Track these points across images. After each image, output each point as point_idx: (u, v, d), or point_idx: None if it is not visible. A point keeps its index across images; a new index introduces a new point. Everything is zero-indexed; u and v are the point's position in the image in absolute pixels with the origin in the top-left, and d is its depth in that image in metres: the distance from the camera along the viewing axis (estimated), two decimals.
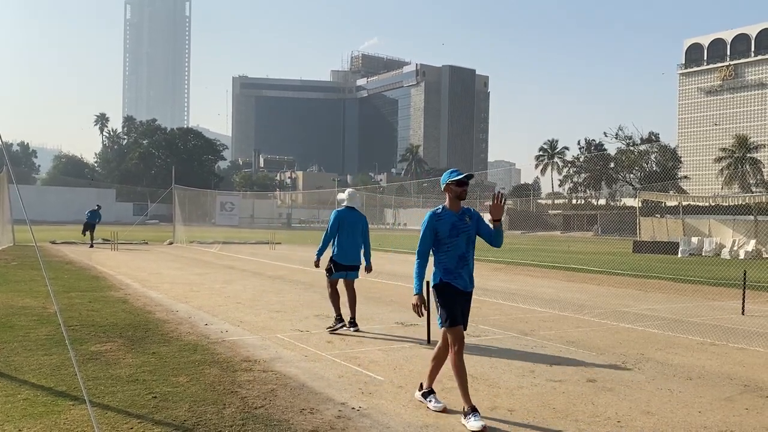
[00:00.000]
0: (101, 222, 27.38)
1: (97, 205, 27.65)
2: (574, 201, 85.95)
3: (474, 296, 12.59)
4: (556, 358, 6.73)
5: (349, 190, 8.54)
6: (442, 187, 4.95)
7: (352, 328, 7.99)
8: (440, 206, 4.96)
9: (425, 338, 7.50)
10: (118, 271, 15.93)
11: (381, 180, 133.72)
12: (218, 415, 4.57)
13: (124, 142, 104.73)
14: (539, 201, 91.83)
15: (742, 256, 26.84)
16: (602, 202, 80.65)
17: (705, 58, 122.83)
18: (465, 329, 4.89)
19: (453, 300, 4.80)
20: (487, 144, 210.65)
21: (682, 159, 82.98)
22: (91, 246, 25.88)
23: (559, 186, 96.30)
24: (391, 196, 74.75)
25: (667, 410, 4.97)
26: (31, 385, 5.22)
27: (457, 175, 4.88)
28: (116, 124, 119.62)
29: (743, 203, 31.98)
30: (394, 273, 16.78)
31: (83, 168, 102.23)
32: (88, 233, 26.46)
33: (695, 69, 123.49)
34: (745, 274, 10.78)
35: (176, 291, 12.08)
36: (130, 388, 5.19)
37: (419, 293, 4.85)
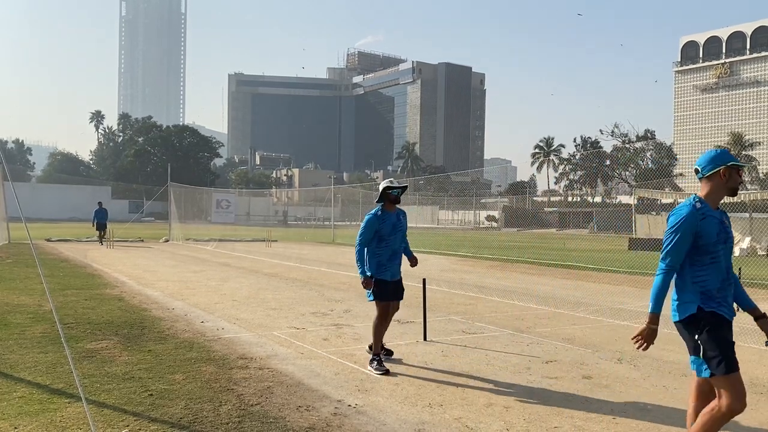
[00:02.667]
0: (103, 219, 26.81)
1: (99, 203, 27.41)
2: (570, 198, 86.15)
3: (469, 293, 12.44)
4: (552, 355, 6.75)
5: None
6: (707, 171, 3.51)
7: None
8: (692, 198, 3.50)
9: (422, 336, 7.51)
10: (114, 268, 15.90)
11: (377, 177, 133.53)
12: (214, 412, 4.57)
13: (120, 139, 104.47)
14: (535, 198, 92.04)
15: (737, 254, 26.94)
16: (598, 199, 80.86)
17: (701, 55, 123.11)
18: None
19: (724, 335, 3.41)
20: (483, 141, 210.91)
21: (677, 156, 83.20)
22: (101, 243, 25.80)
23: (555, 183, 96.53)
24: None
25: (662, 407, 4.98)
26: (27, 383, 5.21)
27: (732, 159, 3.52)
28: (112, 121, 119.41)
29: (738, 201, 32.06)
30: None
31: (79, 165, 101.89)
32: (101, 232, 26.13)
33: (691, 66, 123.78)
34: (740, 271, 10.80)
35: (172, 288, 12.06)
36: (126, 385, 5.19)
37: (655, 318, 3.49)
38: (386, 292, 6.15)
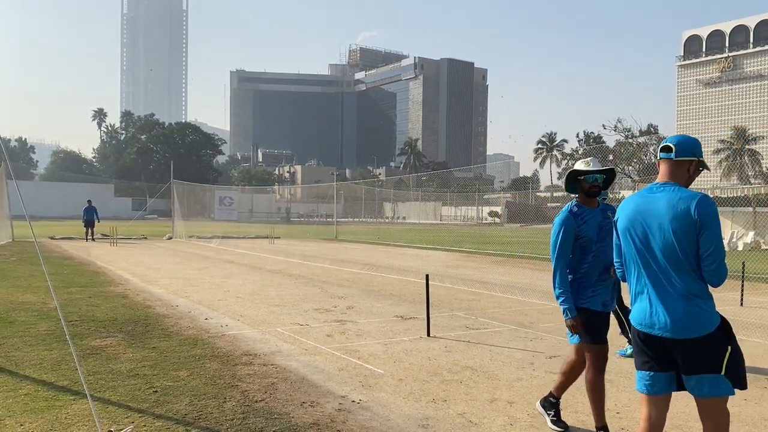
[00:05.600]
0: (92, 217, 27.48)
1: (88, 201, 28.08)
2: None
3: (472, 289, 12.40)
4: (555, 350, 6.76)
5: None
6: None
7: None
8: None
9: (425, 332, 7.52)
10: (118, 266, 15.93)
11: (380, 174, 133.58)
12: (219, 408, 4.59)
13: (122, 137, 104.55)
14: (538, 194, 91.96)
15: (740, 248, 26.88)
16: None
17: (703, 49, 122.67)
18: None
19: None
20: (486, 137, 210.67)
21: None
22: (92, 239, 26.90)
23: (558, 179, 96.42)
24: (390, 190, 74.75)
25: None
26: (33, 380, 5.23)
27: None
28: (114, 119, 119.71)
29: (742, 195, 32.03)
30: (392, 266, 16.81)
31: (81, 163, 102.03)
32: (88, 229, 27.37)
33: (694, 61, 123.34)
34: (743, 265, 10.79)
35: (176, 286, 12.09)
36: (130, 382, 5.21)
37: None
38: (597, 328, 4.11)
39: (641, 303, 3.09)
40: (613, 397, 5.07)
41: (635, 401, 4.95)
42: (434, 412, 4.64)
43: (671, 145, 3.09)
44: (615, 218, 3.28)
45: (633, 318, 3.15)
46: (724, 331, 3.00)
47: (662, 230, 2.99)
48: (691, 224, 2.92)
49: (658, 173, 3.21)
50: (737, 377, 3.02)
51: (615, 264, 3.36)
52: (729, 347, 2.98)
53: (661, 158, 3.12)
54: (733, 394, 3.01)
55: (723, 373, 2.96)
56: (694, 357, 2.95)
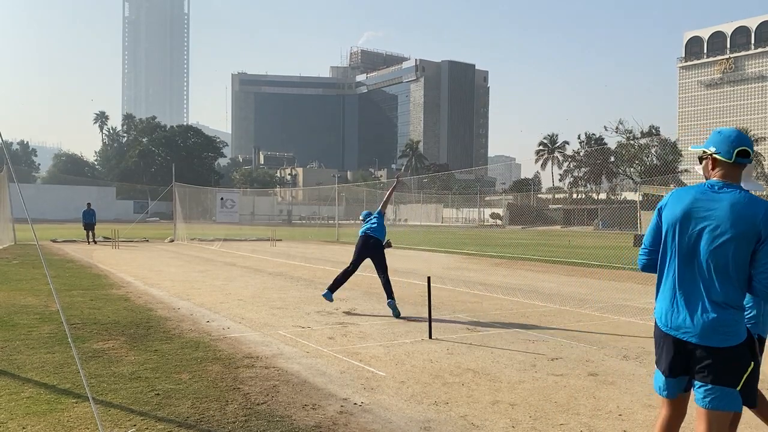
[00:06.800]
0: (91, 220, 27.50)
1: (87, 204, 28.12)
2: (574, 195, 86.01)
3: (474, 291, 12.39)
4: (558, 353, 6.75)
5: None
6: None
7: None
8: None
9: (427, 334, 7.51)
10: (120, 269, 15.95)
11: (381, 176, 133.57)
12: (221, 411, 4.59)
13: (124, 140, 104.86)
14: (540, 196, 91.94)
15: None
16: (603, 196, 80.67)
17: (705, 51, 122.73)
18: None
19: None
20: (487, 139, 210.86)
21: (682, 152, 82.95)
22: (94, 242, 26.92)
23: (560, 180, 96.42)
24: None
25: None
26: (35, 383, 5.24)
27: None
28: (116, 122, 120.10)
29: None
30: (394, 268, 16.78)
31: (83, 166, 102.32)
32: (88, 232, 27.35)
33: (695, 62, 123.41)
34: None
35: (177, 288, 12.10)
36: (132, 385, 5.21)
37: None
38: None
39: (669, 303, 2.92)
40: (615, 399, 5.07)
41: (638, 403, 4.95)
42: (436, 415, 4.63)
43: (749, 150, 2.91)
44: (661, 204, 3.05)
45: (658, 317, 2.99)
46: (749, 346, 2.86)
47: (716, 233, 2.80)
48: (753, 233, 2.74)
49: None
50: (750, 394, 2.87)
51: (641, 250, 3.13)
52: (752, 363, 2.84)
53: (737, 162, 2.91)
54: (741, 411, 2.88)
55: (739, 388, 2.81)
56: (715, 367, 2.80)
